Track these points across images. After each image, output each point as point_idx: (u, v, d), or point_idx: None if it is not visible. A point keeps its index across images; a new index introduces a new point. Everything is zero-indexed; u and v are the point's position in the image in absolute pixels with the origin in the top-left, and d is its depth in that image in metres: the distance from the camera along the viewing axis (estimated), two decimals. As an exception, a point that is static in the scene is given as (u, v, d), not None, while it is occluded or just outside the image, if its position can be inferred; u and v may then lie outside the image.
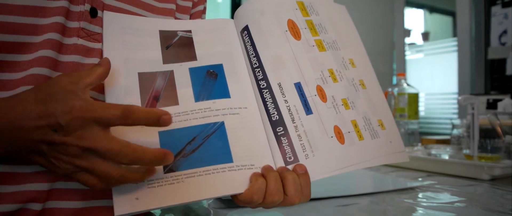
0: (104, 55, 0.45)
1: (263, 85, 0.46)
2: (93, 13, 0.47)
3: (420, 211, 0.63)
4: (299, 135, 0.44)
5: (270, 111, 0.45)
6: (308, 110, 0.45)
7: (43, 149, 0.35)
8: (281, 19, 0.50)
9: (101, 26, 0.47)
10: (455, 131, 1.22)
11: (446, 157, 1.05)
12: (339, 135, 0.45)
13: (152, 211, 0.63)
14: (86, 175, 0.36)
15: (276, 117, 0.44)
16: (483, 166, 0.88)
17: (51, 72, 0.44)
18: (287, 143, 0.44)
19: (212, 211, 0.59)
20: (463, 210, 0.63)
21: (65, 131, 0.34)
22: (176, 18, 0.58)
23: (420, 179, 0.90)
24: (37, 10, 0.42)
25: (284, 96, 0.45)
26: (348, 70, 0.50)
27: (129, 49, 0.46)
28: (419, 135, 1.43)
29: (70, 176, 0.37)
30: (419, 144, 1.36)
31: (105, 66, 0.41)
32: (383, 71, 2.42)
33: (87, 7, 0.46)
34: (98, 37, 0.47)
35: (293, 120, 0.44)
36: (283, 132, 0.44)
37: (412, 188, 0.79)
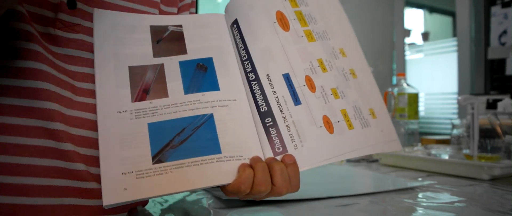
0: (95, 51, 0.46)
1: (252, 77, 0.47)
2: (71, 4, 0.47)
3: (420, 211, 0.63)
4: (287, 126, 0.44)
5: (259, 102, 0.45)
6: (296, 100, 0.45)
7: None
8: (270, 11, 0.50)
9: (82, 18, 0.48)
10: (455, 131, 1.22)
11: (446, 157, 1.05)
12: (328, 125, 0.45)
13: (151, 212, 0.63)
14: None
15: (265, 108, 0.45)
16: (483, 166, 0.88)
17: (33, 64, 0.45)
18: (276, 134, 0.44)
19: (212, 211, 0.59)
20: (463, 210, 0.63)
21: None
22: (160, 10, 0.58)
23: (420, 179, 0.90)
24: None
25: (272, 87, 0.45)
26: (338, 60, 0.50)
27: (120, 45, 0.47)
28: (419, 135, 1.43)
29: None
30: (419, 144, 1.36)
31: None
32: (383, 71, 2.42)
33: None
34: (77, 28, 0.48)
35: (281, 110, 0.45)
36: (271, 123, 0.44)
37: (412, 188, 0.79)
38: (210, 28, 0.51)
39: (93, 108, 0.47)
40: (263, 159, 0.43)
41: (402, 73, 1.57)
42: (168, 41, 0.49)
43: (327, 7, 0.54)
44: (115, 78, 0.45)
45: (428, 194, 0.75)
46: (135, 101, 0.44)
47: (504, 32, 1.84)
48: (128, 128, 0.42)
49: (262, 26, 0.49)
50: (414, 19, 2.95)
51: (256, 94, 0.46)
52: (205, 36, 0.50)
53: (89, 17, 0.49)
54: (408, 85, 1.43)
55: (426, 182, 0.84)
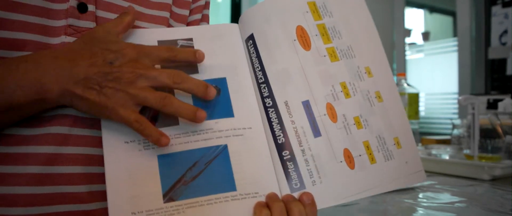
0: None
1: (269, 103, 0.43)
2: (82, 8, 0.45)
3: (421, 211, 0.63)
4: (306, 160, 0.41)
5: (276, 133, 0.42)
6: (316, 132, 0.42)
7: (99, 81, 0.38)
8: (289, 26, 0.46)
9: (94, 21, 0.46)
10: (455, 131, 1.22)
11: (447, 157, 1.05)
12: (349, 159, 0.42)
13: None
14: (132, 108, 0.38)
15: (282, 140, 0.42)
16: (484, 166, 0.88)
17: None
18: (293, 169, 0.41)
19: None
20: (463, 210, 0.63)
21: (121, 61, 0.38)
22: (172, 12, 0.54)
23: (420, 179, 0.90)
24: (8, 4, 0.41)
25: (291, 116, 0.42)
26: (363, 82, 0.45)
27: None
28: (419, 135, 1.43)
29: (116, 110, 0.38)
30: (420, 144, 1.36)
31: (131, 14, 0.43)
32: (383, 71, 2.42)
33: (73, 3, 0.45)
34: None
35: (300, 143, 0.42)
36: (289, 156, 0.41)
37: (412, 188, 0.79)
38: (222, 42, 0.47)
39: (97, 124, 0.44)
40: (279, 195, 0.41)
41: (402, 73, 1.57)
42: None
43: (354, 18, 0.48)
44: None
45: (429, 194, 0.75)
46: None
47: (505, 32, 1.84)
48: (136, 160, 0.39)
49: (280, 44, 0.45)
50: (415, 19, 2.94)
51: (273, 123, 0.43)
52: (218, 51, 0.46)
53: (101, 21, 0.46)
54: (408, 85, 1.43)
55: (426, 182, 0.84)
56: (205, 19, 0.60)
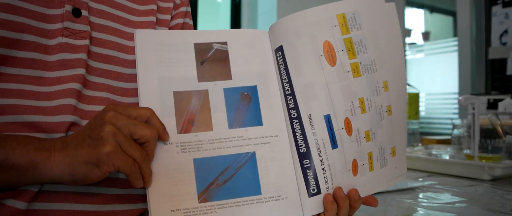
0: (138, 75, 0.45)
1: (294, 114, 0.46)
2: (76, 13, 0.49)
3: (421, 211, 0.63)
4: (323, 169, 0.45)
5: (299, 143, 0.45)
6: (334, 144, 0.45)
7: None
8: (317, 41, 0.46)
9: (87, 24, 0.49)
10: (455, 131, 1.22)
11: (447, 157, 1.05)
12: (355, 168, 0.46)
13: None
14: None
15: (304, 150, 0.45)
16: (484, 166, 0.88)
17: (42, 72, 0.46)
18: (312, 176, 0.45)
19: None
20: (463, 210, 0.63)
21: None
22: (157, 18, 0.58)
23: (420, 179, 0.90)
24: (10, 7, 0.44)
25: (313, 128, 0.45)
26: (379, 96, 0.48)
27: (164, 67, 0.46)
28: (419, 135, 1.43)
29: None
30: (420, 144, 1.36)
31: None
32: (384, 71, 2.42)
33: (68, 8, 0.48)
34: (84, 35, 0.49)
35: (319, 153, 0.45)
36: (309, 165, 0.45)
37: (412, 188, 0.79)
38: (254, 49, 0.49)
39: None
40: (299, 200, 0.45)
41: (402, 73, 1.57)
42: (213, 62, 0.47)
43: (383, 29, 0.49)
44: (160, 105, 0.44)
45: (429, 194, 0.74)
46: (180, 133, 0.44)
47: (505, 31, 1.84)
48: (174, 162, 0.42)
49: (308, 59, 0.46)
50: (415, 19, 2.94)
51: (296, 134, 0.46)
52: (250, 59, 0.48)
53: (94, 25, 0.50)
54: (408, 85, 1.43)
55: (426, 182, 0.84)
56: (187, 27, 0.63)
